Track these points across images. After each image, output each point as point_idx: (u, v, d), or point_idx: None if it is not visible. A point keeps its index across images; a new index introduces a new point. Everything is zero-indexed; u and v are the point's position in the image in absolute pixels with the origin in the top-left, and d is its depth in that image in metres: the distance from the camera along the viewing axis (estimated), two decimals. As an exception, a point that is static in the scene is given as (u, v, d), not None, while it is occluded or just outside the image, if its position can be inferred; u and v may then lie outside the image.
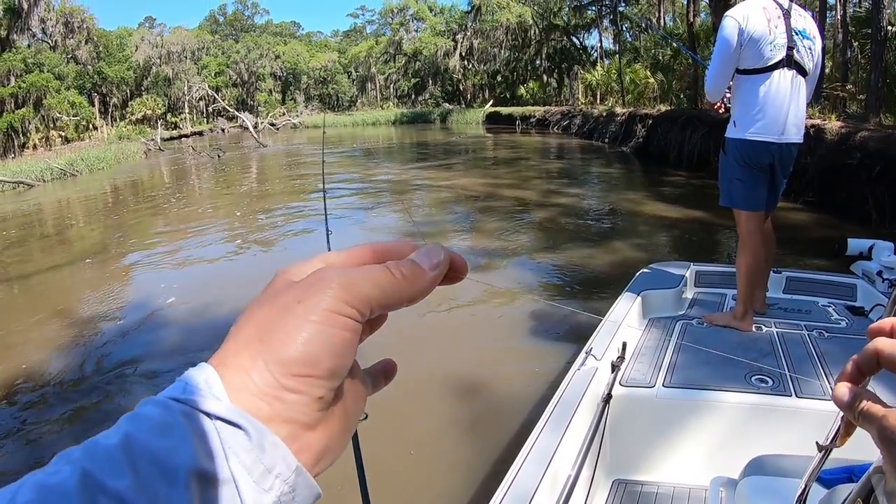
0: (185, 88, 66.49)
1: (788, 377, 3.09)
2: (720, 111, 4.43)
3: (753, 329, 3.79)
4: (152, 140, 45.81)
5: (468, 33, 57.16)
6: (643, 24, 36.64)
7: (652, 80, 27.65)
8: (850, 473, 1.60)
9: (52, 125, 44.50)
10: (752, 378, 3.10)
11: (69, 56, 51.65)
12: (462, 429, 4.76)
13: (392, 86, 70.18)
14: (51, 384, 6.42)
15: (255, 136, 41.65)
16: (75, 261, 11.97)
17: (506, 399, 5.17)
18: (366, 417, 0.51)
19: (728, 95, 4.24)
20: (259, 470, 0.37)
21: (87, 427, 5.50)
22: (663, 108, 23.43)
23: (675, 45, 22.75)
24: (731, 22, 3.79)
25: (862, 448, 1.48)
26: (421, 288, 0.46)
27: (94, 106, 55.43)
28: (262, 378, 0.39)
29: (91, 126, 52.31)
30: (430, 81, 63.38)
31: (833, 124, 12.18)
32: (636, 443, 3.14)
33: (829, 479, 1.60)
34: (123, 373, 6.62)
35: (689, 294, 4.69)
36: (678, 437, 3.08)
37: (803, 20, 3.88)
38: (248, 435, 0.37)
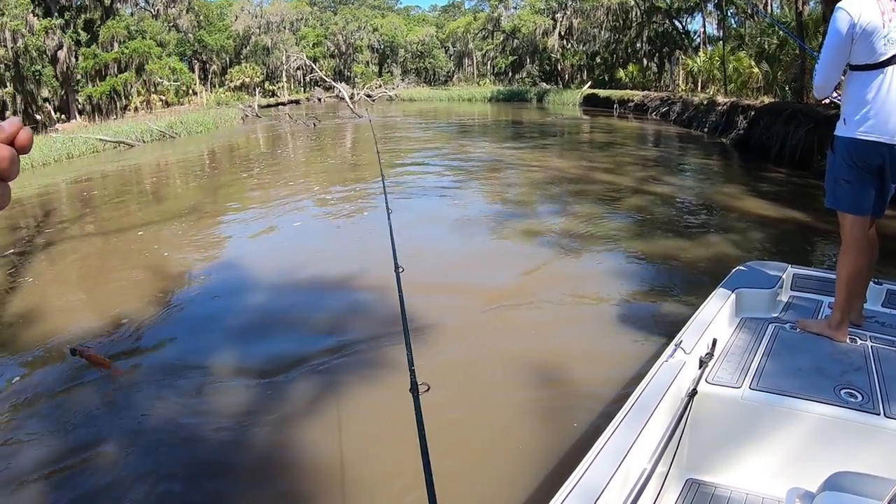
0: (283, 58, 67.64)
1: (879, 395, 2.99)
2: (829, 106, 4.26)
3: (847, 340, 3.68)
4: (250, 107, 46.89)
5: (568, 12, 56.52)
6: (749, 10, 35.70)
7: (756, 69, 26.89)
8: None
9: (153, 89, 45.78)
10: (841, 391, 3.03)
11: (171, 24, 53.16)
12: (539, 416, 4.83)
13: (489, 63, 69.97)
14: (136, 330, 6.75)
15: (351, 106, 42.20)
16: (169, 218, 12.40)
17: (585, 387, 5.21)
18: (428, 389, 0.68)
19: (837, 91, 4.10)
20: None
21: (168, 369, 5.79)
22: (767, 99, 22.77)
23: (783, 32, 22.08)
24: (844, 14, 3.62)
25: None
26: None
27: (194, 72, 56.96)
28: None
29: (191, 91, 53.65)
30: (528, 60, 62.91)
31: None
32: (715, 443, 3.12)
33: None
34: (199, 324, 6.95)
35: (785, 297, 4.58)
36: (758, 442, 3.05)
37: None
38: None
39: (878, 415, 2.83)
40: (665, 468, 2.75)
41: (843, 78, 3.94)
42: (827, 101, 4.16)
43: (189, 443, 4.66)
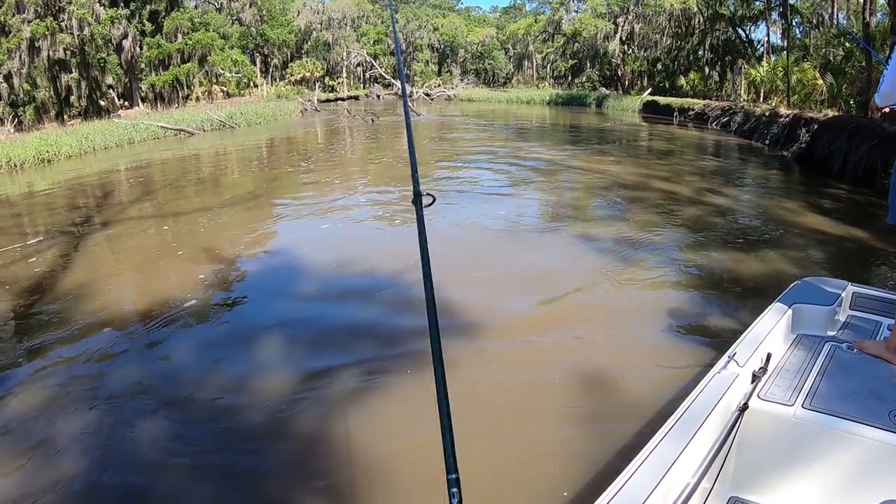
0: (344, 54, 68.34)
1: None
2: (886, 115, 4.14)
3: None
4: (309, 100, 47.57)
5: (629, 17, 55.99)
6: (815, 20, 35.10)
7: (820, 81, 26.43)
8: None
9: (214, 80, 46.63)
10: None
11: (234, 18, 54.22)
12: (584, 423, 4.89)
13: (549, 65, 69.62)
14: (185, 309, 6.99)
15: (410, 105, 42.30)
16: (225, 206, 12.68)
17: (633, 397, 5.24)
18: None
19: None
20: None
21: (211, 344, 5.97)
22: (831, 112, 22.38)
23: (853, 39, 21.60)
24: None
25: None
26: None
27: (255, 65, 57.87)
28: None
29: (252, 83, 54.55)
30: (588, 64, 62.52)
31: None
32: (762, 461, 3.06)
33: None
34: (246, 313, 7.15)
35: (843, 316, 4.47)
36: (808, 464, 2.96)
37: None
38: None
39: None
40: (709, 484, 2.73)
41: None
42: (887, 109, 4.01)
43: (227, 421, 4.83)
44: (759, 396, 3.09)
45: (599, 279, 8.10)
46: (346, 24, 71.26)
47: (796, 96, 27.78)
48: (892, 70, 3.68)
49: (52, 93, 39.05)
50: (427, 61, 77.92)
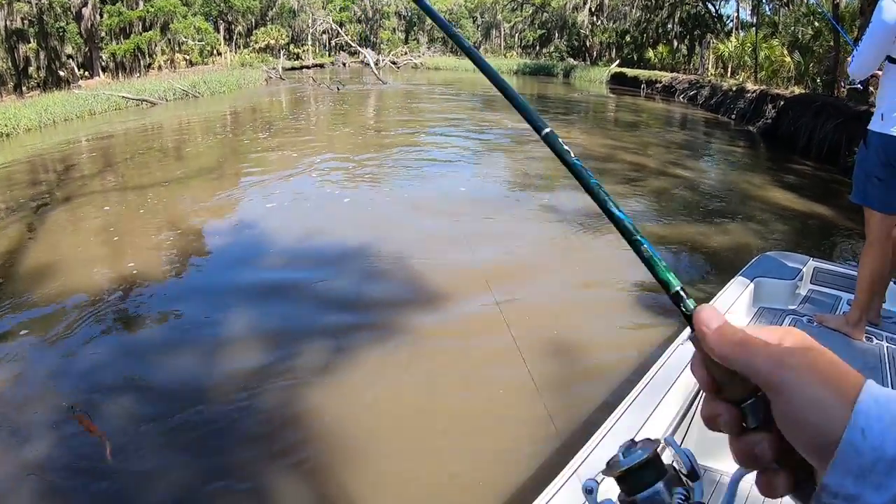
0: (310, 21, 67.44)
1: None
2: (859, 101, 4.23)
3: (864, 339, 3.70)
4: (274, 69, 46.91)
5: (600, -12, 55.99)
6: (784, -2, 35.31)
7: (788, 58, 26.58)
8: None
9: (177, 48, 46.03)
10: None
11: (197, -17, 53.07)
12: (551, 398, 4.82)
13: (517, 35, 69.37)
14: (149, 289, 6.83)
15: (376, 72, 41.99)
16: (188, 178, 12.46)
17: (599, 368, 5.25)
18: None
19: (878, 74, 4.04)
20: None
21: (180, 329, 5.84)
22: (797, 90, 22.53)
23: (825, 17, 21.74)
24: (892, 5, 3.53)
25: None
26: None
27: (219, 33, 57.00)
28: None
29: (215, 52, 53.86)
30: (556, 34, 62.30)
31: None
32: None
33: None
34: (211, 286, 7.00)
35: (804, 290, 4.60)
36: None
37: None
38: None
39: None
40: None
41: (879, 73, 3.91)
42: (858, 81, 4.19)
43: (197, 402, 4.69)
44: None
45: (565, 250, 8.07)
46: (312, -10, 70.39)
47: (764, 73, 27.90)
48: (861, 49, 3.79)
49: (9, 64, 37.98)
50: (394, 29, 77.26)
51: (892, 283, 4.27)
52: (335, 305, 6.36)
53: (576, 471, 2.24)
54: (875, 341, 3.72)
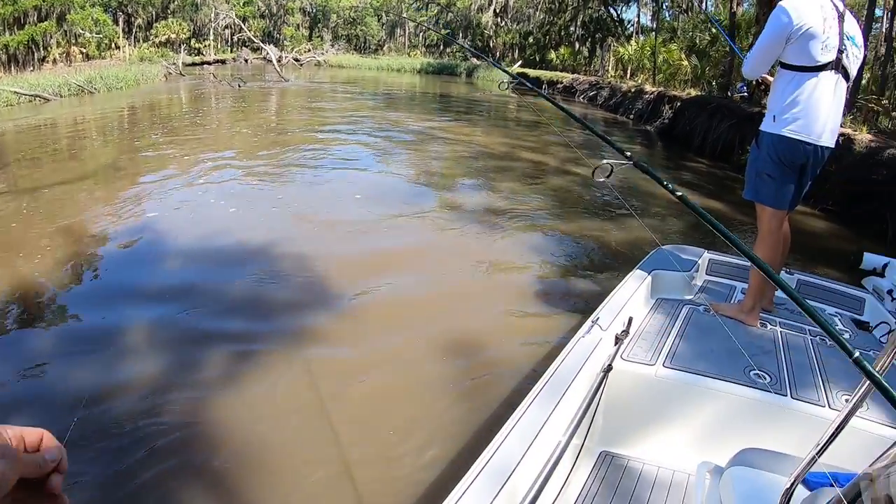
0: (212, 15, 65.98)
1: (786, 377, 3.15)
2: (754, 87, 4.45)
3: (759, 325, 3.82)
4: (174, 64, 45.53)
5: (505, -10, 56.51)
6: (684, 5, 36.31)
7: (685, 62, 27.33)
8: (833, 479, 1.65)
9: (73, 41, 44.32)
10: (751, 373, 3.16)
11: (96, -28, 51.32)
12: (453, 393, 4.71)
13: (421, 34, 69.57)
14: (46, 296, 6.41)
15: (278, 69, 41.41)
16: (85, 178, 11.92)
17: (501, 364, 5.14)
18: None
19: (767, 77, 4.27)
20: None
21: (80, 338, 5.48)
22: (694, 92, 23.18)
23: (717, 28, 22.48)
24: (786, 12, 3.68)
25: (847, 457, 1.67)
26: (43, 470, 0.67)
27: (117, 25, 55.10)
28: None
29: (113, 45, 52.09)
30: (461, 34, 62.72)
31: (863, 136, 12.04)
32: (629, 418, 3.22)
33: (812, 481, 1.68)
34: (111, 290, 6.60)
35: (700, 281, 4.75)
36: (671, 418, 3.16)
37: (854, 27, 3.83)
38: None
39: (786, 396, 2.98)
40: (580, 441, 2.87)
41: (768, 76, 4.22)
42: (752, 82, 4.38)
43: (98, 411, 4.39)
44: (622, 357, 3.21)
45: (466, 249, 7.93)
46: (215, -17, 68.96)
47: (662, 75, 28.57)
48: (753, 52, 4.01)
49: None
50: (298, 25, 76.36)
51: (783, 272, 4.49)
52: (227, 312, 6.06)
53: (484, 467, 2.22)
54: (769, 327, 3.82)
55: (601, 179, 2.19)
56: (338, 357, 5.18)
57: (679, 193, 1.34)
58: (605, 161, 2.19)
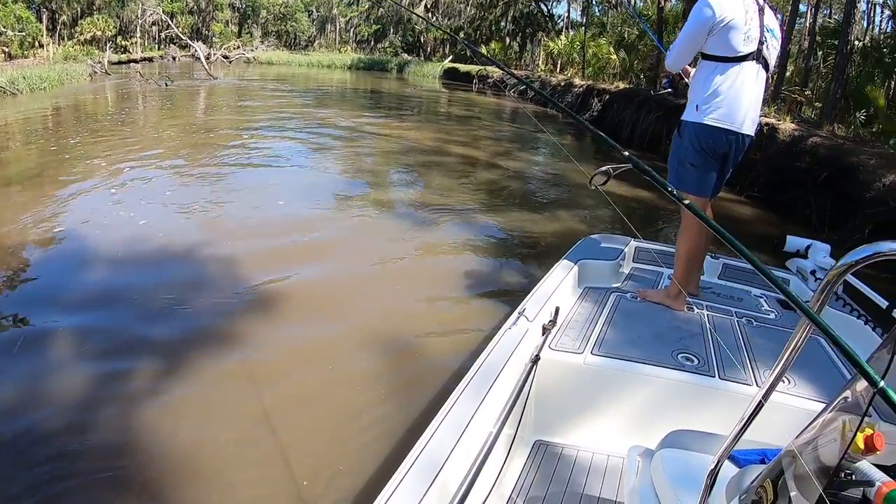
0: (139, 11, 64.42)
1: (713, 359, 3.21)
2: (677, 81, 4.50)
3: (685, 310, 3.87)
4: (99, 63, 44.28)
5: (436, -15, 56.52)
6: (613, 1, 36.77)
7: (614, 56, 27.72)
8: (762, 456, 1.70)
9: (-6, 39, 42.99)
10: (679, 356, 3.21)
11: (17, -32, 49.73)
12: (384, 389, 4.63)
13: (352, 30, 69.23)
14: None
15: (206, 67, 40.66)
16: (5, 185, 11.51)
17: (432, 358, 5.10)
18: None
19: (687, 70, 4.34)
20: None
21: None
22: (622, 85, 23.54)
23: (642, 25, 22.84)
24: (708, 5, 3.74)
25: (775, 433, 1.65)
26: None
27: (41, 22, 53.45)
28: None
29: (37, 43, 50.51)
30: (392, 30, 62.60)
31: (787, 126, 12.42)
32: (560, 406, 3.23)
33: (741, 458, 1.70)
34: (33, 299, 6.35)
35: (626, 268, 4.81)
36: (602, 404, 3.18)
37: (773, 20, 3.91)
38: None
39: (713, 377, 3.04)
40: (512, 431, 2.84)
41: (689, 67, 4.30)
42: (672, 75, 4.45)
43: (22, 429, 4.18)
44: (550, 347, 3.23)
45: (397, 245, 7.83)
46: (142, -22, 67.48)
47: (591, 69, 28.95)
48: (677, 44, 4.05)
49: None
50: (227, 21, 75.28)
51: (708, 257, 4.54)
52: (147, 320, 5.83)
53: (415, 462, 2.21)
54: (695, 311, 3.87)
55: (598, 187, 2.14)
56: (264, 358, 5.04)
57: (686, 201, 1.30)
58: (603, 168, 2.13)
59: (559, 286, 3.95)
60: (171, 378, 4.75)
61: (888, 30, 20.75)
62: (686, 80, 4.33)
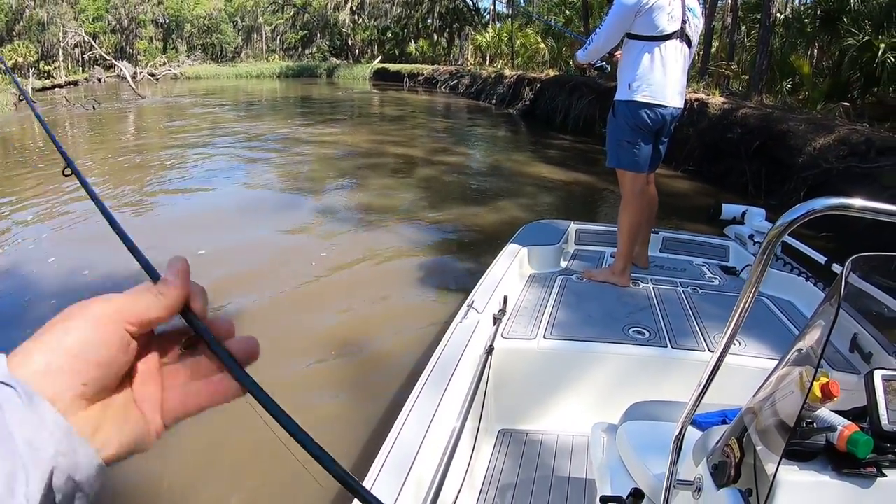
0: (61, 34, 62.93)
1: (664, 330, 3.29)
2: (591, 69, 4.60)
3: (631, 284, 3.95)
4: (23, 90, 43.39)
5: (360, -14, 56.35)
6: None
7: (542, 45, 27.88)
8: (723, 417, 1.72)
9: None
10: (630, 330, 3.27)
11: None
12: (345, 393, 4.63)
13: (279, 38, 68.61)
14: None
15: (133, 86, 39.92)
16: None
17: (390, 358, 5.10)
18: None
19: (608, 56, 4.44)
20: (30, 423, 0.43)
21: None
22: (552, 73, 23.67)
23: (555, 28, 23.10)
24: None
25: (733, 394, 1.70)
26: (172, 296, 0.55)
27: (-41, 54, 52.12)
28: (40, 358, 0.46)
29: (-44, 75, 49.19)
30: (319, 35, 62.24)
31: (716, 100, 12.77)
32: (520, 394, 3.25)
33: (703, 422, 1.71)
34: None
35: (570, 251, 4.86)
36: (560, 387, 3.20)
37: (693, 0, 4.02)
38: (18, 393, 0.43)
39: (666, 347, 3.11)
40: (475, 423, 2.90)
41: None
42: (587, 64, 4.51)
43: None
44: (502, 336, 3.22)
45: (342, 250, 7.79)
46: (62, 0, 65.96)
47: (520, 59, 29.09)
48: (604, 30, 4.11)
49: None
50: (151, 38, 73.86)
51: (653, 232, 4.62)
52: None
53: (386, 459, 2.21)
54: (641, 285, 3.95)
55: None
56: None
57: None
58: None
59: (505, 274, 3.97)
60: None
61: (807, 0, 21.17)
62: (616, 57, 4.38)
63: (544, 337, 3.22)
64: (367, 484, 2.08)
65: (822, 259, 3.48)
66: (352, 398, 4.54)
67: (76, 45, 64.91)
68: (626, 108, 4.01)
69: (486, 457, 3.01)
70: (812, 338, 1.18)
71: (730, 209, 4.85)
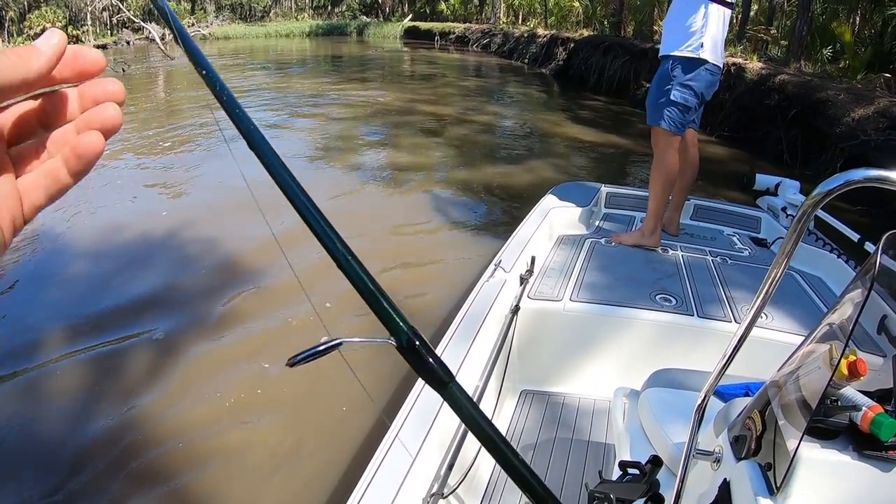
0: (88, -1, 63.12)
1: (691, 298, 3.28)
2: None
3: (660, 250, 3.93)
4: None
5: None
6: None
7: (577, 3, 27.49)
8: (746, 389, 1.73)
9: (-62, 40, 41.94)
10: (657, 297, 3.26)
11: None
12: (372, 350, 4.61)
13: (309, -4, 68.29)
14: None
15: (163, 48, 39.95)
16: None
17: (416, 314, 5.09)
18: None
19: None
20: None
21: None
22: (586, 32, 23.38)
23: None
24: None
25: (758, 368, 1.72)
26: (33, 64, 0.47)
27: (-13, 20, 52.28)
28: None
29: (-16, 43, 49.41)
30: (347, -9, 61.83)
31: (754, 65, 12.52)
32: (543, 355, 3.27)
33: (726, 393, 1.75)
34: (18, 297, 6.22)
35: (600, 214, 4.83)
36: (584, 350, 3.22)
37: None
38: None
39: (692, 316, 3.10)
40: (498, 382, 2.88)
41: None
42: None
43: (25, 431, 4.08)
44: (528, 297, 3.23)
45: (369, 207, 7.80)
46: (89, -36, 65.76)
47: (553, 18, 28.71)
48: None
49: None
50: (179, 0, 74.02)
51: (687, 199, 4.58)
52: (154, 300, 5.73)
53: (409, 414, 2.25)
54: (670, 252, 3.92)
55: None
56: (254, 334, 5.00)
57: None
58: None
59: (534, 235, 3.99)
60: (169, 366, 4.70)
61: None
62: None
63: (570, 299, 3.23)
64: (390, 435, 2.15)
65: (854, 236, 3.46)
66: (377, 353, 4.51)
67: (104, 9, 64.70)
68: (675, 64, 3.92)
69: (507, 416, 3.05)
70: (842, 315, 1.16)
71: (763, 180, 4.81)
